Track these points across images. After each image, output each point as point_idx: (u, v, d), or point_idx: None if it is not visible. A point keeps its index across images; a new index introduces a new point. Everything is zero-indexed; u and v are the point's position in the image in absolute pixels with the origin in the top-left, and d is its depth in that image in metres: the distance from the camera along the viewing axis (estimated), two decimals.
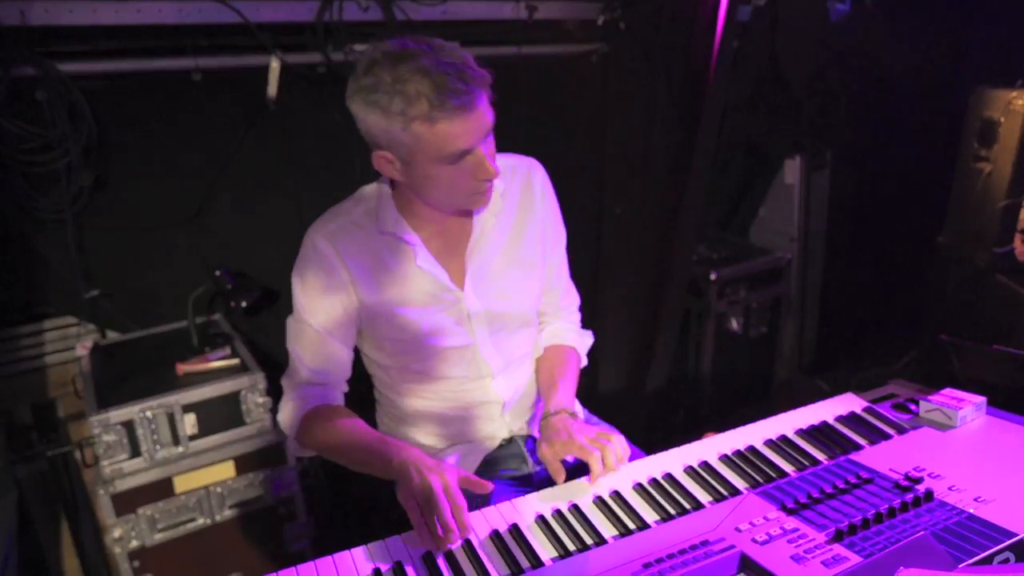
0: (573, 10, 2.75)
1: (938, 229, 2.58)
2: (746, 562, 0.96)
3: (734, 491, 1.13)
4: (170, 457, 2.03)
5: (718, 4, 2.48)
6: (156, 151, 2.29)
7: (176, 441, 2.03)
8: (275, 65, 2.26)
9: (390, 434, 1.47)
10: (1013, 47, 2.49)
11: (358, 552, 1.06)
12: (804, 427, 1.29)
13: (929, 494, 1.05)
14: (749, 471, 1.18)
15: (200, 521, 2.08)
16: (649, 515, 1.10)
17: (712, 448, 1.25)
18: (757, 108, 3.16)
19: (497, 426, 1.41)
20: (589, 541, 1.05)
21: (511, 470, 1.42)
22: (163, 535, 2.03)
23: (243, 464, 2.12)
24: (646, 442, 1.44)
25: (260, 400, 2.10)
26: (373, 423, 1.52)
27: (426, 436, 1.42)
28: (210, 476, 2.07)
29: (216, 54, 2.23)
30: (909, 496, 1.05)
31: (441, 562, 1.03)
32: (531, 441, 1.46)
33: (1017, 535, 0.96)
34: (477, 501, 1.20)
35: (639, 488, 1.16)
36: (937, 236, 2.58)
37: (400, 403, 1.41)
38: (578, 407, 1.45)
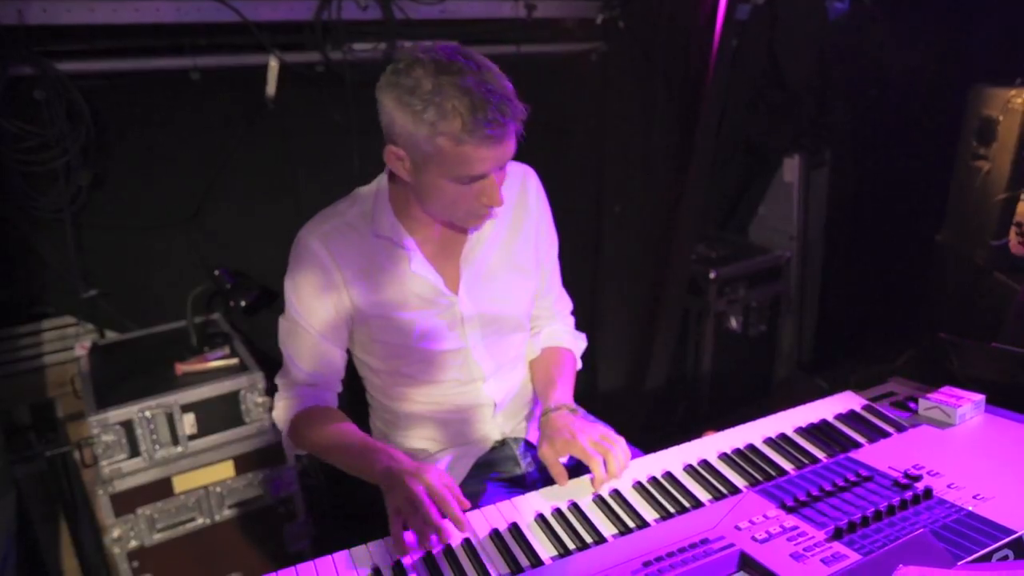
0: (572, 9, 2.75)
1: (937, 227, 2.59)
2: (746, 560, 0.96)
3: (734, 489, 1.13)
4: (169, 457, 2.03)
5: (717, 3, 2.48)
6: (154, 150, 2.29)
7: (175, 441, 2.03)
8: (274, 64, 2.25)
9: (383, 437, 1.47)
10: (1011, 45, 2.49)
11: (357, 552, 1.06)
12: (803, 425, 1.29)
13: (928, 492, 1.05)
14: (749, 469, 1.18)
15: (199, 521, 2.08)
16: (649, 514, 1.10)
17: (712, 446, 1.25)
18: (756, 107, 3.16)
19: (489, 428, 1.41)
20: (589, 540, 1.05)
21: (503, 472, 1.42)
22: (162, 535, 2.03)
23: (242, 464, 2.11)
24: (645, 441, 1.44)
25: (259, 400, 2.10)
26: (367, 426, 1.52)
27: (418, 439, 1.42)
28: (209, 476, 2.07)
29: (214, 53, 2.23)
30: (908, 494, 1.05)
31: (441, 561, 1.03)
32: (524, 444, 1.46)
33: (1016, 532, 0.96)
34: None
35: (639, 487, 1.16)
36: (936, 234, 2.58)
37: (392, 406, 1.41)
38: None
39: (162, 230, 2.34)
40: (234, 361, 2.17)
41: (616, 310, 2.95)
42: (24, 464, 2.14)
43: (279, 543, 2.21)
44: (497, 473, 1.41)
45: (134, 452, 1.98)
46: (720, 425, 1.33)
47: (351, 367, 1.41)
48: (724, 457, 1.22)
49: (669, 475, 1.18)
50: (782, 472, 1.17)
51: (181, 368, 2.12)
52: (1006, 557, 0.95)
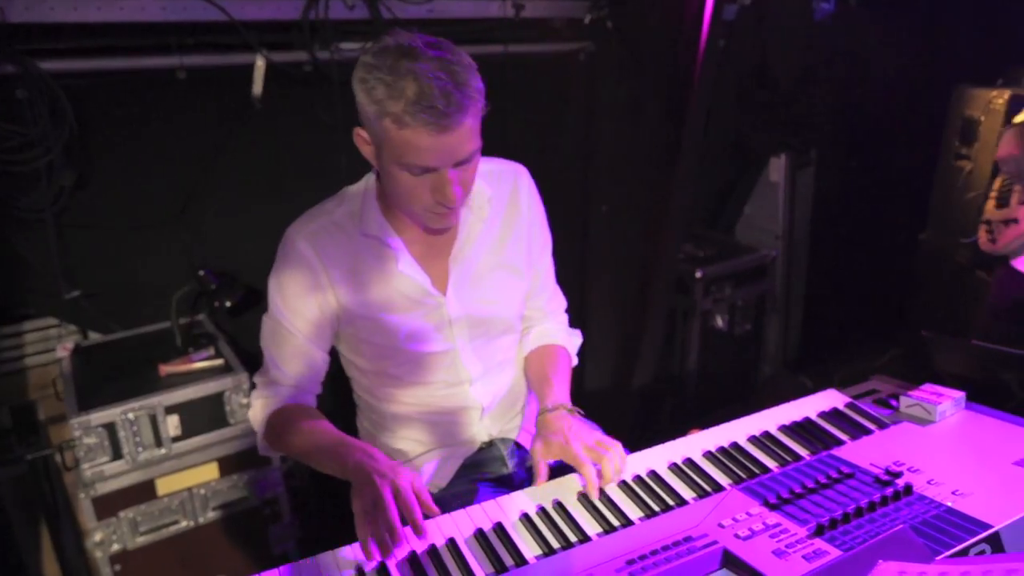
0: (560, 9, 2.75)
1: (921, 226, 2.62)
2: (728, 557, 0.97)
3: (717, 487, 1.14)
4: (152, 459, 2.01)
5: (704, 3, 2.49)
6: (139, 150, 2.27)
7: (159, 443, 2.01)
8: (260, 64, 2.24)
9: (370, 438, 1.46)
10: (993, 47, 2.52)
11: (341, 552, 1.05)
12: (787, 423, 1.30)
13: (908, 488, 1.06)
14: (732, 467, 1.19)
15: (183, 523, 2.06)
16: (633, 512, 1.10)
17: (696, 445, 1.25)
18: (743, 107, 3.18)
19: (476, 430, 1.40)
20: (573, 539, 1.05)
21: (491, 473, 1.42)
22: (145, 538, 2.01)
23: (227, 465, 2.10)
24: (632, 439, 1.45)
25: (244, 401, 2.09)
26: (354, 427, 1.51)
27: (405, 440, 1.41)
28: (193, 478, 2.06)
29: (201, 52, 2.21)
30: (889, 490, 1.06)
31: (425, 561, 1.02)
32: (514, 445, 1.45)
33: (993, 527, 0.97)
34: (456, 503, 1.19)
35: (623, 485, 1.17)
36: (920, 233, 2.61)
37: (378, 407, 1.40)
38: None
39: (146, 230, 2.32)
40: (219, 362, 2.16)
41: (603, 309, 2.96)
42: (5, 467, 2.11)
43: (264, 545, 2.20)
44: (485, 474, 1.41)
45: (117, 455, 1.96)
46: (706, 423, 1.33)
47: (338, 367, 1.41)
48: (709, 455, 1.23)
49: (654, 474, 1.19)
50: (765, 470, 1.17)
51: (165, 369, 2.10)
52: (983, 552, 0.97)
